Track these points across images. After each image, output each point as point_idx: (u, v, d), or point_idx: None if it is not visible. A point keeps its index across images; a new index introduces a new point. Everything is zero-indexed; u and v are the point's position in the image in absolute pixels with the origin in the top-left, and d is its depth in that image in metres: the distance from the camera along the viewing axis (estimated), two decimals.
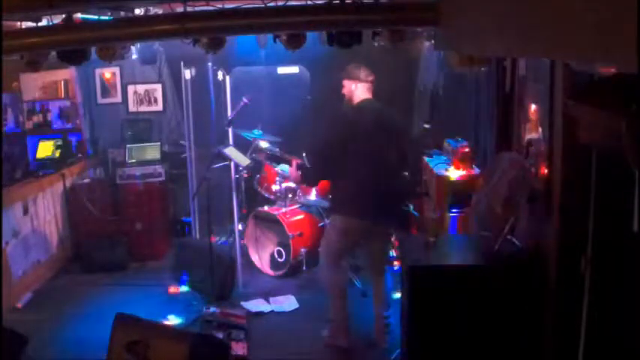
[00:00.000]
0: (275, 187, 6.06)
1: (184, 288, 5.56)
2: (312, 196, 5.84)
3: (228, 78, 5.70)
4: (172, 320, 4.98)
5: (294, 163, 4.79)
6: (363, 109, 4.43)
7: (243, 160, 5.42)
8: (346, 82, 4.49)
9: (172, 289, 5.58)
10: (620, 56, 1.35)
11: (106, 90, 7.24)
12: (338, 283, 4.50)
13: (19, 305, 5.39)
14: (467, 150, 5.35)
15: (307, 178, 4.92)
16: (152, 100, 7.26)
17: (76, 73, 6.98)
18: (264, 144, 5.91)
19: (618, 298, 2.77)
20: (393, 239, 5.28)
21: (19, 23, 4.01)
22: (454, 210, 5.10)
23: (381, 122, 4.42)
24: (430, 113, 6.97)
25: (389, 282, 4.65)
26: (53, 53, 3.96)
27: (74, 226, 6.51)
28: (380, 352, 4.45)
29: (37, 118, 7.03)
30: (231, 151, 5.36)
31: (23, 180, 5.96)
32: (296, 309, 5.17)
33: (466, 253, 3.75)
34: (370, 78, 4.48)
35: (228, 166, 5.63)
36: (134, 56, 5.40)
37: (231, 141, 5.59)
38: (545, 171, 3.40)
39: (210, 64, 6.32)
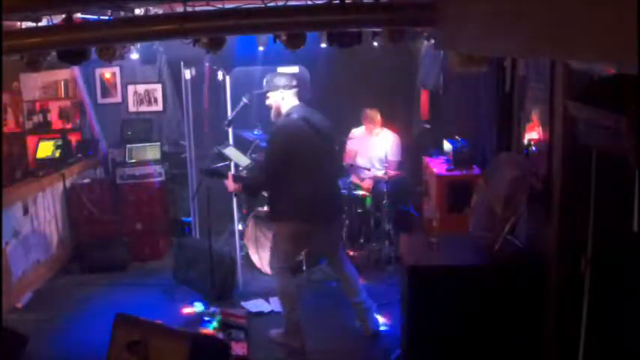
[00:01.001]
0: None
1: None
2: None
3: (228, 78, 5.70)
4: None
5: (230, 175, 4.73)
6: (296, 117, 4.35)
7: (243, 160, 5.41)
8: (270, 94, 4.41)
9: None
10: (620, 56, 1.35)
11: (106, 90, 7.24)
12: (287, 287, 4.54)
13: (19, 305, 5.39)
14: (466, 150, 5.36)
15: (249, 189, 4.88)
16: (152, 100, 7.26)
17: (79, 73, 6.99)
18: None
19: (618, 298, 2.77)
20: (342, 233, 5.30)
21: (19, 23, 4.02)
22: (454, 210, 5.10)
23: (314, 127, 4.40)
24: (430, 113, 6.98)
25: (351, 271, 4.67)
26: (53, 53, 3.96)
27: (74, 226, 6.51)
28: (380, 351, 4.45)
29: (37, 118, 7.03)
30: (231, 151, 5.35)
31: (23, 180, 5.96)
32: None
33: (466, 253, 3.75)
34: (294, 82, 4.43)
35: (229, 166, 5.63)
36: (135, 56, 5.39)
37: (231, 141, 5.59)
38: (545, 171, 3.40)
39: (207, 64, 6.32)
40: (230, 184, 4.58)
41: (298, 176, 4.27)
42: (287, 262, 4.56)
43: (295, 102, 4.42)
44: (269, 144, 4.49)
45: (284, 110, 4.40)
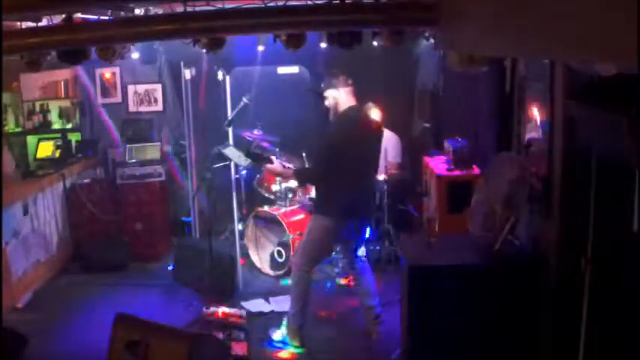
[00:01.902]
0: (275, 187, 6.06)
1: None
2: (313, 195, 5.84)
3: (228, 78, 5.70)
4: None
5: (274, 159, 4.81)
6: (354, 117, 4.47)
7: (243, 160, 5.42)
8: (329, 92, 4.49)
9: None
10: (621, 56, 1.35)
11: (106, 90, 7.24)
12: (306, 284, 4.53)
13: (19, 305, 5.39)
14: (466, 150, 5.36)
15: (304, 178, 4.94)
16: (152, 100, 7.25)
17: (82, 72, 6.99)
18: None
19: (618, 298, 2.77)
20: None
21: (19, 23, 4.01)
22: (454, 210, 5.11)
23: (367, 127, 4.53)
24: (430, 113, 6.97)
25: (368, 273, 4.67)
26: (53, 53, 3.96)
27: (74, 226, 6.50)
28: (380, 351, 4.45)
29: (37, 118, 7.03)
30: (231, 151, 5.36)
31: (23, 180, 5.95)
32: None
33: (466, 253, 3.75)
34: (350, 82, 4.52)
35: (228, 166, 5.63)
36: (136, 55, 5.38)
37: (231, 141, 5.59)
38: (545, 171, 3.40)
39: (204, 64, 6.32)
40: (276, 169, 4.66)
41: (347, 173, 4.34)
42: (316, 259, 4.59)
43: (352, 101, 4.50)
44: (324, 138, 4.54)
45: (341, 108, 4.48)
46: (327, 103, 4.54)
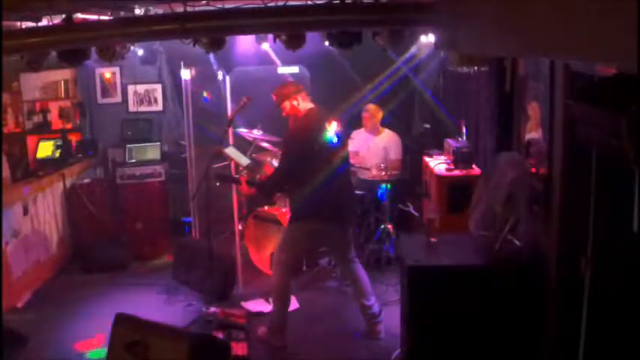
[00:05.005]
0: None
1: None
2: None
3: (228, 78, 5.70)
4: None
5: (242, 180, 4.79)
6: (314, 118, 4.45)
7: (244, 160, 5.42)
8: (285, 104, 4.47)
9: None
10: (620, 56, 1.35)
11: (106, 90, 7.24)
12: (286, 286, 4.55)
13: (19, 305, 5.39)
14: (466, 150, 5.36)
15: (263, 192, 4.94)
16: (152, 100, 7.26)
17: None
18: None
19: (618, 299, 2.77)
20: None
21: (19, 23, 4.02)
22: (454, 210, 5.11)
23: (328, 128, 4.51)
24: (430, 113, 6.98)
25: (361, 273, 4.67)
26: (53, 53, 3.97)
27: (74, 226, 6.51)
28: (380, 352, 4.45)
29: (37, 118, 7.04)
30: (231, 151, 5.35)
31: (23, 180, 5.95)
32: (296, 309, 5.17)
33: (466, 253, 3.75)
34: (300, 86, 4.53)
35: (229, 166, 5.63)
36: (140, 52, 5.37)
37: (231, 141, 5.59)
38: (545, 171, 3.40)
39: (213, 63, 6.34)
40: (244, 189, 4.63)
41: (313, 177, 4.32)
42: (293, 261, 4.58)
43: (308, 104, 4.48)
44: (284, 146, 4.51)
45: (301, 114, 4.47)
46: (285, 114, 4.52)
